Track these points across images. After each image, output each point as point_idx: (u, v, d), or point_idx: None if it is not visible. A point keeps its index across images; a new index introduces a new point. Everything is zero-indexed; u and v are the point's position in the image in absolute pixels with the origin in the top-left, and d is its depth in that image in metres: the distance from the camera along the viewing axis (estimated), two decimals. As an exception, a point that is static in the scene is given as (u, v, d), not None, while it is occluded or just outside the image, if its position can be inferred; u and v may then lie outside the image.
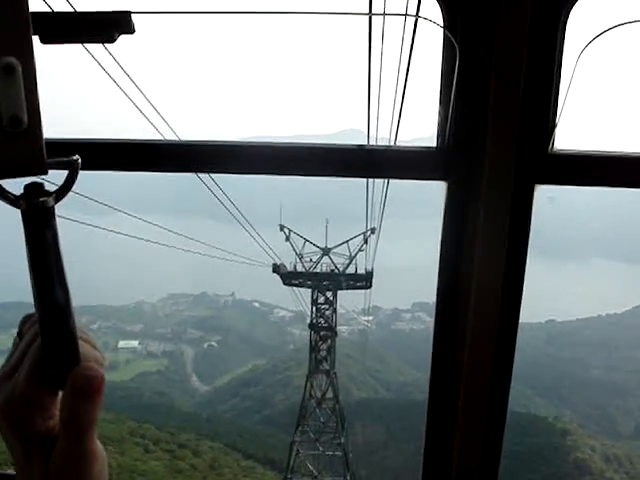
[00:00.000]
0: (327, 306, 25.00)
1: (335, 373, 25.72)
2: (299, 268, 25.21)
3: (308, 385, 25.70)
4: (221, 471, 27.83)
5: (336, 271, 25.11)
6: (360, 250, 25.10)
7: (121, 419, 28.07)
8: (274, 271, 24.01)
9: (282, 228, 24.84)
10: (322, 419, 25.99)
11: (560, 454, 30.69)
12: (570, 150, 1.38)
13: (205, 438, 31.28)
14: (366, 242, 24.71)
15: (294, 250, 25.10)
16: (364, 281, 24.27)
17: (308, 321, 25.90)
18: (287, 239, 24.66)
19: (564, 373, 51.19)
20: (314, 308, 25.04)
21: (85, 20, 0.83)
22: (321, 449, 25.54)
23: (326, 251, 25.95)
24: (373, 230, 23.80)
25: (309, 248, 25.77)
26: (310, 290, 24.96)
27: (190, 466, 26.90)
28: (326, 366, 25.31)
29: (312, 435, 25.48)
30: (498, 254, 1.39)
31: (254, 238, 21.17)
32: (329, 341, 25.10)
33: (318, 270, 25.38)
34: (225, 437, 33.31)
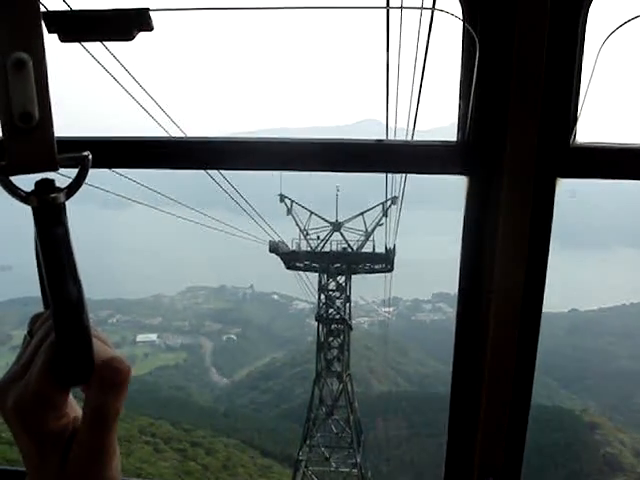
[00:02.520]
0: (339, 293, 20.57)
1: (350, 375, 21.26)
2: (304, 247, 20.96)
3: (316, 390, 21.23)
4: (235, 471, 26.25)
5: (349, 250, 20.70)
6: (378, 224, 20.56)
7: (132, 416, 26.94)
8: (272, 250, 20.00)
9: (282, 199, 20.27)
10: (335, 430, 21.81)
11: (589, 449, 29.45)
12: (592, 143, 1.36)
13: (221, 434, 30.40)
14: (386, 215, 20.27)
15: (297, 225, 20.82)
16: (384, 262, 19.94)
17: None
18: (289, 212, 20.38)
19: (588, 363, 50.55)
20: (322, 296, 20.64)
21: (104, 18, 0.84)
22: (334, 465, 21.45)
23: (337, 226, 21.12)
24: (394, 200, 19.49)
25: (315, 223, 21.46)
26: (317, 274, 20.87)
27: (202, 467, 25.22)
28: (338, 367, 20.98)
29: (323, 450, 21.46)
30: (520, 248, 1.38)
31: (263, 228, 19.15)
32: (342, 336, 20.66)
33: (327, 249, 20.93)
34: (242, 433, 32.78)
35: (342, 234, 21.03)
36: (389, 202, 19.93)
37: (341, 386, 21.01)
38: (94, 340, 0.69)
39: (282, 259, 20.33)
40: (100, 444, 0.68)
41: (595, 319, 60.14)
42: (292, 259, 20.48)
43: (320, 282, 20.72)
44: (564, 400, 44.32)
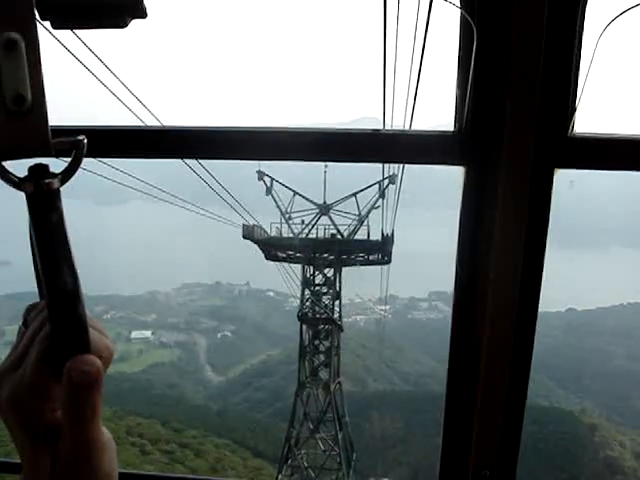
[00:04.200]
0: (326, 288, 17.81)
1: (340, 384, 18.36)
2: (286, 233, 18.04)
3: (299, 403, 18.47)
4: (224, 474, 24.74)
5: (339, 237, 17.69)
6: (374, 207, 17.74)
7: (121, 416, 25.91)
8: (246, 236, 16.97)
9: (261, 176, 17.24)
10: (322, 447, 18.85)
11: (589, 452, 28.83)
12: (590, 133, 1.36)
13: (212, 434, 29.65)
14: (383, 196, 17.41)
15: (277, 207, 17.78)
16: (380, 252, 17.11)
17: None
18: (268, 192, 17.44)
19: (585, 363, 50.65)
20: (307, 291, 17.90)
21: (95, 4, 0.82)
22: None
23: (325, 209, 18.04)
24: (392, 179, 16.69)
25: (299, 205, 18.46)
26: (301, 266, 17.82)
27: (189, 470, 23.85)
28: (325, 375, 18.09)
29: (307, 472, 18.67)
30: (517, 240, 1.37)
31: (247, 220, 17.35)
32: (330, 339, 17.93)
33: (313, 236, 17.88)
34: (234, 432, 32.20)
35: (331, 218, 17.95)
36: (386, 181, 17.05)
37: (328, 398, 17.94)
38: (90, 330, 0.68)
39: (260, 247, 17.54)
40: (82, 442, 0.66)
41: (593, 319, 60.29)
42: (272, 247, 17.58)
43: (304, 275, 17.76)
44: (561, 400, 44.46)
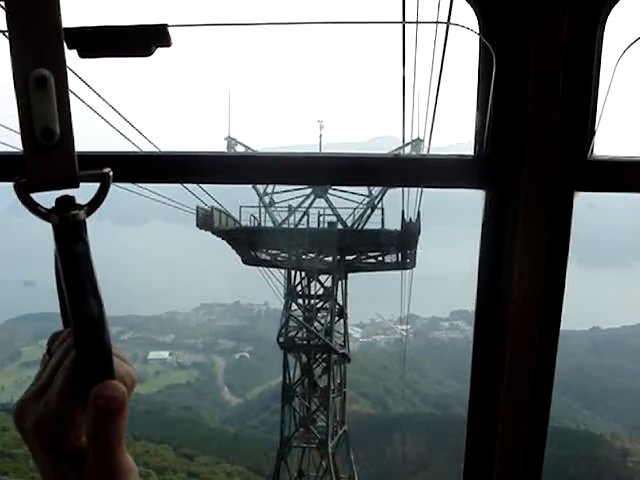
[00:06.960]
0: (322, 302, 13.39)
1: (346, 432, 13.34)
2: (266, 222, 13.11)
3: (282, 467, 13.20)
4: None
5: (340, 227, 12.66)
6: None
7: (128, 443, 24.75)
8: (202, 225, 11.98)
9: (232, 145, 13.13)
10: None
11: (623, 477, 27.75)
12: (610, 156, 1.36)
13: (225, 460, 28.67)
14: None
15: (254, 188, 12.57)
16: (398, 251, 12.04)
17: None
18: None
19: (612, 384, 49.33)
20: (292, 305, 13.21)
21: (122, 34, 0.85)
22: None
23: (320, 189, 12.61)
24: (416, 144, 11.60)
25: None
26: (287, 271, 12.88)
27: None
28: (320, 429, 12.84)
29: None
30: (538, 262, 1.37)
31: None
32: (330, 375, 12.91)
33: (303, 226, 12.83)
34: (250, 457, 31.39)
35: (328, 201, 12.96)
36: (408, 148, 11.86)
37: (325, 462, 12.57)
38: (113, 358, 0.69)
39: (233, 247, 12.80)
40: (108, 468, 0.68)
41: (618, 337, 58.87)
42: (249, 243, 12.64)
43: (290, 283, 13.07)
44: (588, 421, 43.32)
